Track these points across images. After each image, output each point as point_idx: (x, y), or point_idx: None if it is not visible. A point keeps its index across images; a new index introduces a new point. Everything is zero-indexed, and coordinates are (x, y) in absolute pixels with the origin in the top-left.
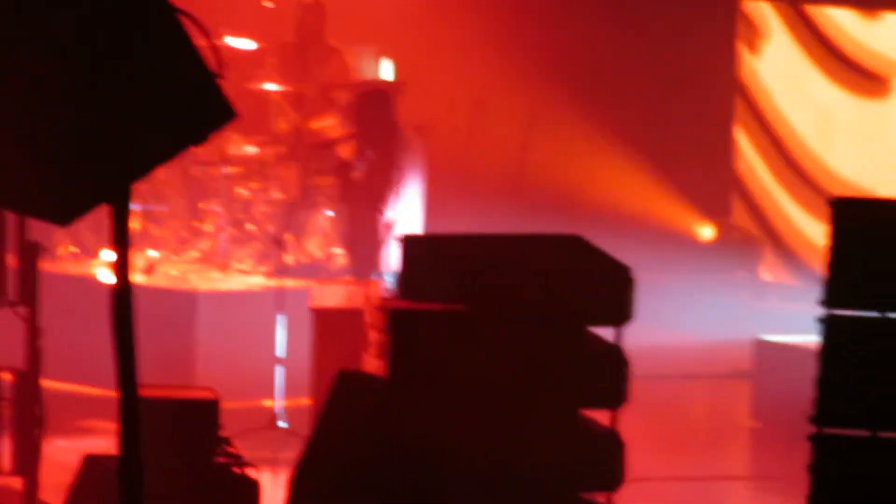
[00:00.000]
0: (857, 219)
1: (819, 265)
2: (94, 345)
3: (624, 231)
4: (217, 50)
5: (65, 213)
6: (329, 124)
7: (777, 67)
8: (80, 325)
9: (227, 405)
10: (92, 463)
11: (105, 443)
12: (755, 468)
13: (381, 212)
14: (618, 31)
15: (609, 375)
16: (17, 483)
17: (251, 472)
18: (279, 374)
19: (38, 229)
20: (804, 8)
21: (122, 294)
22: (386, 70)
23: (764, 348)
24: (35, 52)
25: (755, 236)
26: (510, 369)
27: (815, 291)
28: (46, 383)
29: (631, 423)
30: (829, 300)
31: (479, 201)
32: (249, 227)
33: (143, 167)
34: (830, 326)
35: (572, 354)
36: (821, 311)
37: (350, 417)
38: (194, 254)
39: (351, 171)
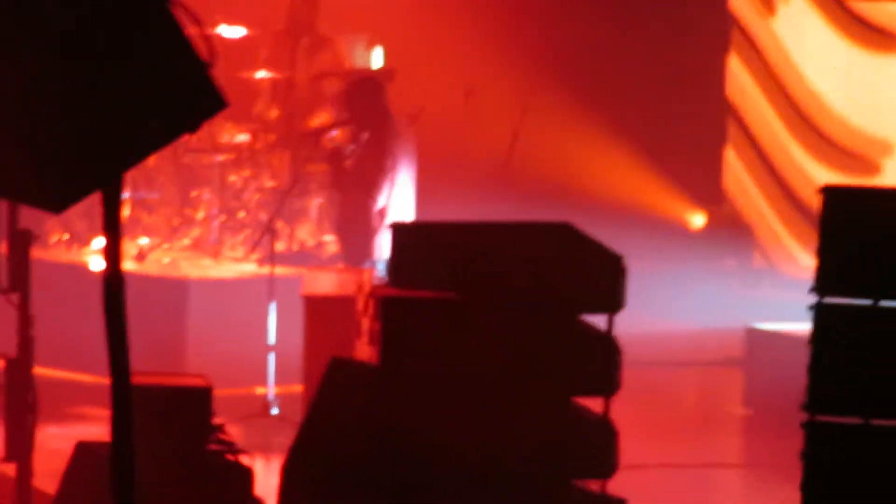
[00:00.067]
0: (848, 207)
1: (811, 252)
2: (85, 332)
3: (615, 219)
4: (208, 38)
5: (57, 201)
6: (322, 120)
7: (792, 26)
8: (72, 313)
9: (219, 392)
10: (84, 450)
11: (97, 430)
12: (747, 455)
13: (372, 199)
14: (610, 20)
15: (601, 363)
16: (9, 470)
17: (244, 459)
18: (271, 361)
19: (29, 217)
20: None
21: (114, 281)
22: (377, 58)
23: (756, 336)
24: (27, 41)
25: (747, 224)
26: (501, 357)
27: (807, 279)
28: (38, 371)
29: (623, 411)
30: (821, 288)
31: (471, 189)
32: (241, 214)
33: (135, 155)
34: (822, 314)
35: (564, 342)
36: (812, 299)
37: (342, 404)
38: (186, 241)
39: (343, 158)
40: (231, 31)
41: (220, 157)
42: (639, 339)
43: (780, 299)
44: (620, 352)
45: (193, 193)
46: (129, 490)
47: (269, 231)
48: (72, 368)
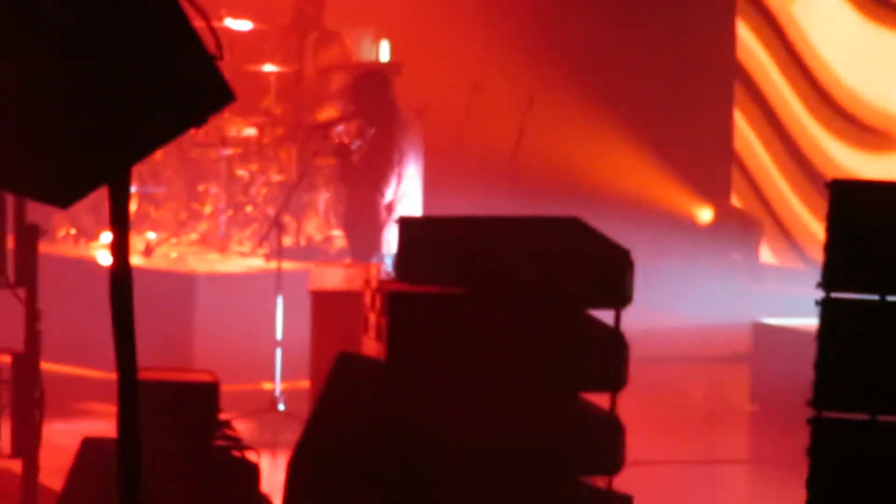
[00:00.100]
0: (856, 201)
1: (818, 247)
2: (93, 327)
3: (622, 213)
4: (215, 32)
5: (64, 196)
6: (332, 115)
7: (812, 8)
8: (79, 308)
9: (226, 388)
10: (91, 446)
11: (104, 425)
12: (754, 451)
13: (380, 193)
14: (616, 13)
15: (608, 359)
16: (16, 466)
17: (250, 455)
18: (278, 356)
19: (36, 211)
20: None
21: (121, 276)
22: (384, 52)
23: (763, 331)
24: (34, 35)
25: (754, 219)
26: (508, 352)
27: (815, 274)
28: (45, 366)
29: (630, 407)
30: (828, 283)
31: (477, 183)
32: (248, 208)
33: (142, 149)
34: (829, 309)
35: (571, 337)
36: (819, 294)
37: (349, 400)
38: (193, 236)
39: (350, 152)
40: (238, 25)
41: (228, 152)
42: (646, 335)
43: (786, 294)
44: (627, 347)
45: (201, 188)
46: (136, 486)
47: (277, 226)
48: (79, 364)
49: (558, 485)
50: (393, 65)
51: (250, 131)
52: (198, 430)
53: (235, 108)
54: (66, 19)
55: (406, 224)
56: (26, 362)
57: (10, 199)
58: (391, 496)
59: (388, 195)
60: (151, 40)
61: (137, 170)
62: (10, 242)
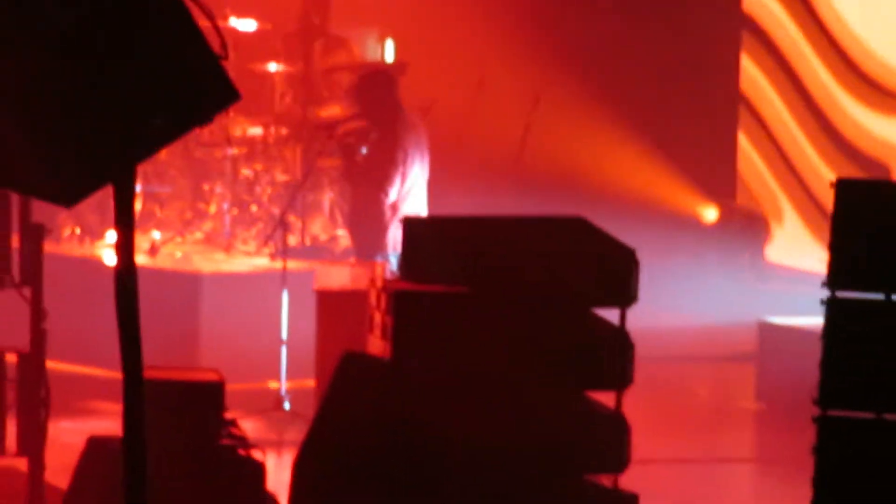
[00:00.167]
0: (861, 200)
1: (824, 246)
2: (98, 326)
3: (627, 213)
4: (220, 31)
5: (69, 195)
6: (336, 112)
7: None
8: (85, 307)
9: (231, 387)
10: (96, 444)
11: (109, 424)
12: (759, 450)
13: (384, 193)
14: (620, 12)
15: (613, 357)
16: (21, 464)
17: (256, 454)
18: (283, 355)
19: (42, 210)
20: None
21: (127, 275)
22: (389, 51)
23: (768, 330)
24: (39, 33)
25: (759, 218)
26: (514, 351)
27: (820, 273)
28: (51, 365)
29: (635, 406)
30: (834, 282)
31: (483, 182)
32: (253, 208)
33: (147, 148)
34: (834, 308)
35: (576, 336)
36: (825, 293)
37: (354, 399)
38: (198, 235)
39: (355, 152)
40: (243, 24)
41: (233, 151)
42: (651, 334)
43: (792, 293)
44: (632, 346)
45: (206, 187)
46: (142, 485)
47: (282, 225)
48: (84, 363)
49: (564, 483)
50: (397, 64)
51: (255, 131)
52: (203, 429)
53: (240, 107)
54: (71, 18)
55: (411, 223)
56: (32, 361)
57: (15, 199)
58: (397, 494)
59: (393, 195)
60: (156, 39)
61: (142, 169)
62: (16, 242)
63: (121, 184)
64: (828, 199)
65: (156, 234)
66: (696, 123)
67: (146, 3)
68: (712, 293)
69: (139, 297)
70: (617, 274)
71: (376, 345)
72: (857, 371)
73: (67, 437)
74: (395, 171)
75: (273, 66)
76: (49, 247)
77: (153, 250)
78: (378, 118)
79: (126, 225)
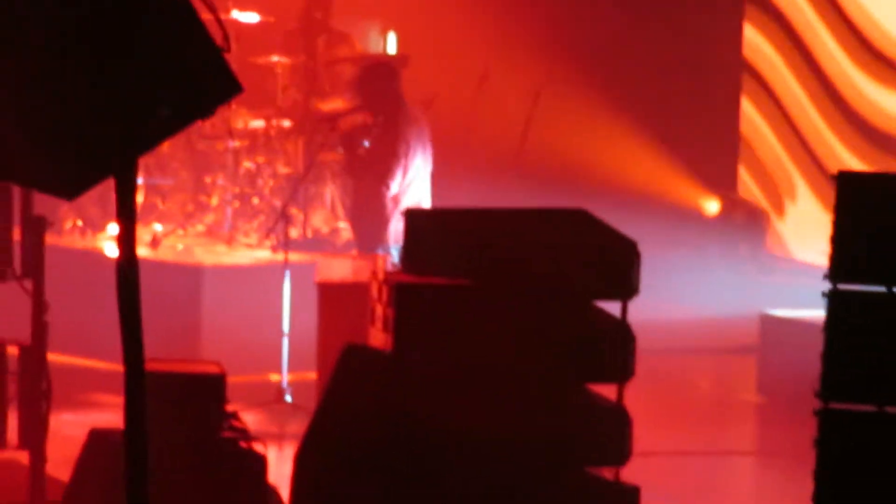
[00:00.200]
0: (862, 193)
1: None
2: (99, 319)
3: (629, 205)
4: (223, 24)
5: (70, 187)
6: (338, 105)
7: None
8: (86, 299)
9: (232, 379)
10: (98, 437)
11: (111, 417)
12: (761, 443)
13: (385, 185)
14: (623, 4)
15: (615, 350)
16: (23, 457)
17: (257, 447)
18: (285, 347)
19: (43, 203)
20: None
21: (128, 268)
22: (391, 44)
23: (769, 323)
24: (41, 25)
25: (761, 210)
26: (515, 343)
27: (822, 266)
28: (52, 357)
29: (637, 398)
30: (835, 275)
31: (484, 175)
32: (255, 200)
33: (149, 141)
34: (836, 301)
35: (578, 329)
36: (826, 286)
37: (356, 392)
38: (200, 227)
39: (357, 144)
40: (245, 17)
41: (235, 143)
42: (653, 326)
43: (794, 286)
44: (634, 338)
45: (208, 179)
46: (143, 477)
47: (284, 217)
48: (85, 355)
49: (565, 476)
50: (400, 57)
51: (257, 123)
52: (205, 422)
53: (242, 100)
54: (74, 9)
55: (412, 215)
56: (33, 354)
57: (16, 191)
58: (398, 487)
59: (394, 187)
60: (158, 31)
61: (144, 161)
62: (17, 234)
63: (122, 176)
64: (832, 188)
65: (157, 227)
66: (698, 116)
67: None
68: (714, 286)
69: (141, 290)
70: (618, 266)
71: (378, 337)
72: (858, 364)
73: (69, 429)
74: (397, 164)
75: (275, 59)
76: (51, 239)
77: (155, 243)
78: (380, 111)
79: (127, 217)
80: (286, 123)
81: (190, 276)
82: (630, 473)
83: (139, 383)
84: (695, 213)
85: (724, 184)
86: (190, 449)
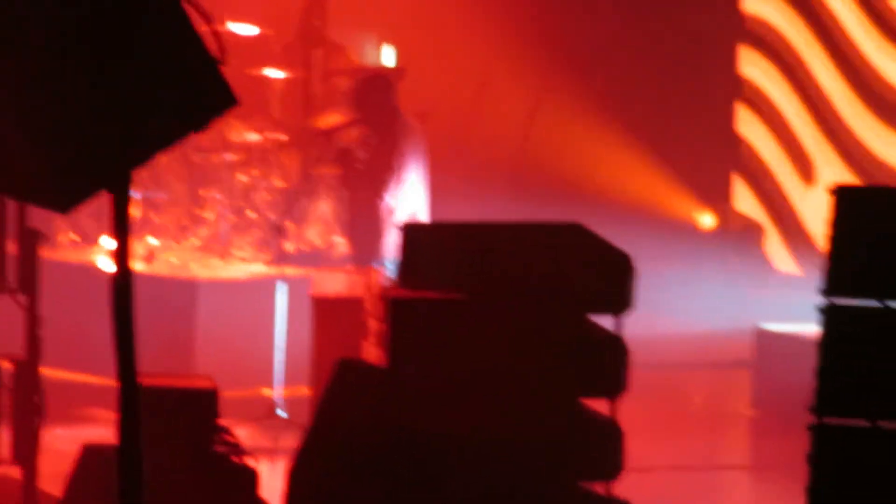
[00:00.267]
0: (858, 207)
1: (821, 251)
2: (93, 333)
3: (624, 219)
4: (219, 36)
5: (65, 200)
6: (335, 121)
7: None
8: (80, 314)
9: (226, 394)
10: (91, 452)
11: (104, 432)
12: (755, 457)
13: (381, 198)
14: (620, 17)
15: (609, 364)
16: (15, 472)
17: (250, 462)
18: (279, 362)
19: (38, 216)
20: None
21: (123, 282)
22: (387, 56)
23: (764, 337)
24: (36, 37)
25: (756, 224)
26: (510, 357)
27: (817, 279)
28: (46, 372)
29: (631, 412)
30: (830, 289)
31: (481, 188)
32: (250, 214)
33: (144, 154)
34: (831, 315)
35: (572, 343)
36: (821, 300)
37: (350, 406)
38: (195, 241)
39: (352, 157)
40: (241, 29)
41: (230, 157)
42: (647, 340)
43: (789, 299)
44: (628, 352)
45: (203, 193)
46: (136, 492)
47: (279, 231)
48: (79, 369)
49: (558, 490)
50: (396, 69)
51: (253, 137)
52: (197, 436)
53: (238, 113)
54: (68, 22)
55: (408, 229)
56: (27, 368)
57: (11, 204)
58: (392, 501)
59: (389, 200)
60: (154, 44)
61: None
62: (12, 247)
63: (117, 190)
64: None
65: (152, 241)
66: (693, 129)
67: (145, 8)
68: (708, 299)
69: (135, 304)
70: (614, 280)
71: (372, 352)
72: (852, 378)
73: (62, 444)
74: (392, 177)
75: (271, 72)
76: (45, 253)
77: (149, 257)
78: (376, 123)
79: (122, 231)
80: (282, 137)
81: (184, 289)
82: (622, 488)
83: (133, 398)
84: (690, 226)
85: (719, 197)
86: (183, 463)
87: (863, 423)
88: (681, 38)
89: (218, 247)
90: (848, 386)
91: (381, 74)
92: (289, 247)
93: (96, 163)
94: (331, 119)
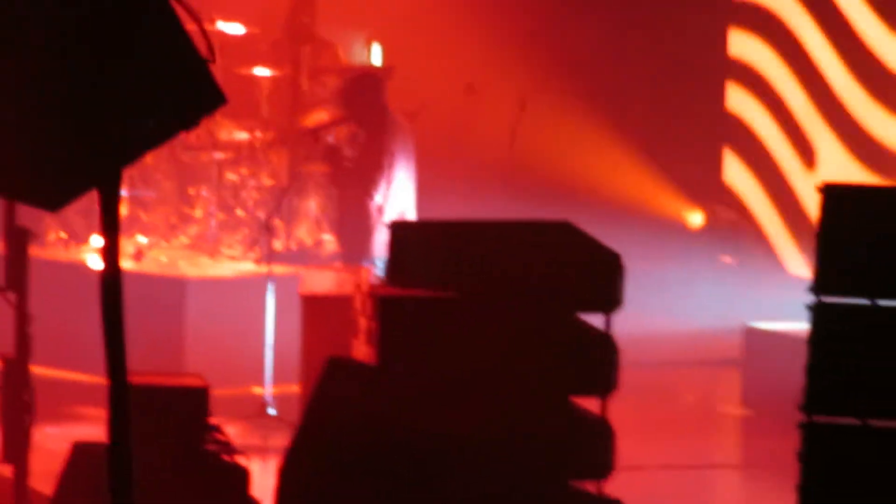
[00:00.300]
0: (847, 205)
1: (810, 251)
2: (83, 331)
3: (613, 217)
4: (207, 35)
5: (54, 199)
6: (322, 118)
7: None
8: (70, 312)
9: (216, 392)
10: (81, 450)
11: (94, 430)
12: (745, 456)
13: (369, 197)
14: (609, 17)
15: (599, 363)
16: (6, 470)
17: (240, 460)
18: (268, 360)
19: (27, 215)
20: None
21: (112, 280)
22: (376, 55)
23: (754, 335)
24: (24, 38)
25: (745, 222)
26: (499, 356)
27: (806, 278)
28: (35, 370)
29: (621, 411)
30: (819, 287)
31: (469, 187)
32: (239, 212)
33: (133, 152)
34: (820, 314)
35: (562, 341)
36: (811, 298)
37: (339, 404)
38: (184, 239)
39: (341, 156)
40: (230, 28)
41: (219, 155)
42: (637, 339)
43: (778, 298)
44: (618, 351)
45: (191, 191)
46: (127, 490)
47: (268, 229)
48: (69, 368)
49: (548, 489)
50: (385, 68)
51: (242, 135)
52: (187, 435)
53: (227, 111)
54: (57, 23)
55: (397, 228)
56: (16, 366)
57: None
58: (382, 499)
59: (378, 199)
60: (143, 43)
61: (128, 173)
62: (0, 246)
63: (106, 188)
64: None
65: (141, 239)
66: (682, 127)
67: (133, 8)
68: (698, 298)
69: (124, 302)
70: (603, 279)
71: (361, 350)
72: (842, 377)
73: (52, 442)
74: (381, 176)
75: (260, 70)
76: (34, 251)
77: (138, 255)
78: (365, 122)
79: (111, 229)
80: (270, 135)
81: (173, 288)
82: (613, 487)
83: (123, 396)
84: (679, 225)
85: (708, 196)
86: (173, 462)
87: (852, 421)
88: (671, 36)
89: (207, 245)
90: (837, 384)
91: (371, 73)
92: (278, 245)
93: (85, 161)
94: (318, 116)
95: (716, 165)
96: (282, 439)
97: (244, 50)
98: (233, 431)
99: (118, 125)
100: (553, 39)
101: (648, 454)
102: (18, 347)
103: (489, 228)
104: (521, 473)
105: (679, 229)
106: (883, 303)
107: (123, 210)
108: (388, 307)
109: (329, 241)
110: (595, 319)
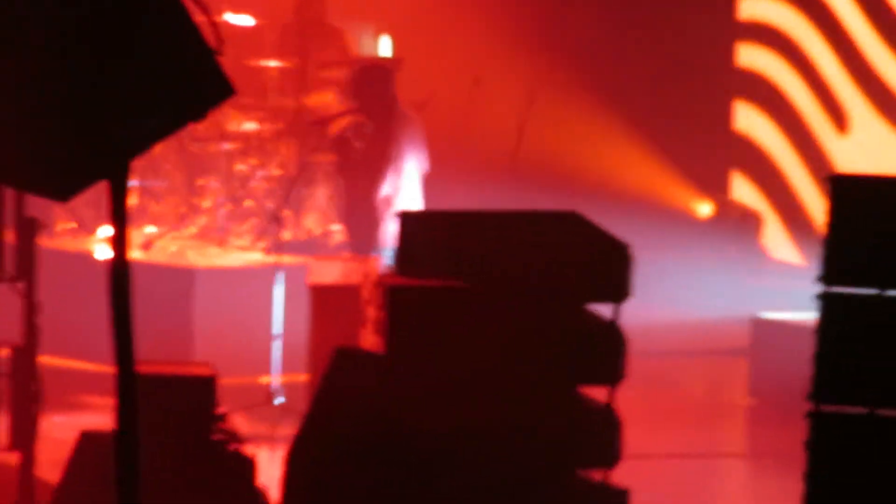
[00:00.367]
0: (855, 196)
1: (819, 240)
2: (91, 321)
3: (622, 208)
4: (216, 26)
5: (63, 189)
6: (327, 100)
7: None
8: (78, 301)
9: (224, 381)
10: (88, 439)
11: (102, 419)
12: (752, 445)
13: (377, 188)
14: (616, 8)
15: (606, 352)
16: (13, 459)
17: (247, 449)
18: (276, 350)
19: (36, 205)
20: None
21: (120, 270)
22: (385, 46)
23: (761, 325)
24: (34, 28)
25: (754, 213)
26: (507, 346)
27: (814, 268)
28: (43, 359)
29: (628, 401)
30: (828, 277)
31: (478, 177)
32: (248, 203)
33: (142, 143)
34: (828, 304)
35: (569, 331)
36: (819, 289)
37: (347, 394)
38: (192, 230)
39: (349, 147)
40: (238, 20)
41: (227, 146)
42: (644, 329)
43: (786, 288)
44: (626, 341)
45: (200, 182)
46: (134, 479)
47: (276, 220)
48: (77, 357)
49: (555, 478)
50: (394, 60)
51: (250, 126)
52: (195, 424)
53: (235, 102)
54: (67, 14)
55: (405, 218)
56: (25, 355)
57: (9, 193)
58: (389, 489)
59: (386, 189)
60: (152, 35)
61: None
62: (10, 236)
63: (115, 179)
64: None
65: (150, 229)
66: (690, 118)
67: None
68: (706, 288)
69: (133, 292)
70: (611, 269)
71: (369, 339)
72: (850, 366)
73: (60, 431)
74: (389, 167)
75: (268, 63)
76: (43, 241)
77: (147, 245)
78: (374, 113)
79: (120, 220)
80: (279, 126)
81: (182, 278)
82: (620, 476)
83: (130, 385)
84: (687, 215)
85: (716, 186)
86: (180, 451)
87: (860, 410)
88: (679, 26)
89: (215, 235)
90: (845, 374)
91: (380, 65)
92: (286, 235)
93: (95, 152)
94: (323, 98)
95: (724, 155)
96: (289, 429)
97: (253, 41)
98: (240, 421)
99: (127, 117)
100: (560, 32)
101: (656, 444)
102: (27, 336)
103: (497, 218)
104: (528, 462)
105: (687, 219)
106: (891, 293)
107: (132, 200)
108: (397, 297)
109: (337, 231)
110: (603, 309)
